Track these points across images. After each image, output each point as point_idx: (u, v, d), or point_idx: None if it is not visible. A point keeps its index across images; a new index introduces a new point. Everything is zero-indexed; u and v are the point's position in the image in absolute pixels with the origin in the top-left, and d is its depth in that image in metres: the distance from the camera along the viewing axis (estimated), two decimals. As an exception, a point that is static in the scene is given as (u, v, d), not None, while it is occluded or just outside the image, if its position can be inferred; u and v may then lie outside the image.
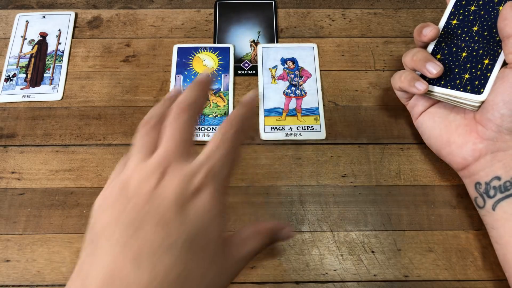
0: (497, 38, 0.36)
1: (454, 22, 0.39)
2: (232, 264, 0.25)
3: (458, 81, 0.37)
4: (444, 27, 0.40)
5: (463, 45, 0.38)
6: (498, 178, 0.35)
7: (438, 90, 0.38)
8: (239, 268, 0.25)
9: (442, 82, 0.38)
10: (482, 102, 0.36)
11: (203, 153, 0.25)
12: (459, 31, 0.39)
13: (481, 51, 0.37)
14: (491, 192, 0.36)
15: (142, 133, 0.27)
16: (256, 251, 0.26)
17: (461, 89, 0.37)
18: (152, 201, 0.22)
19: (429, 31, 0.39)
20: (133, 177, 0.24)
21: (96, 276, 0.21)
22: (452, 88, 0.37)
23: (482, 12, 0.38)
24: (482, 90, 0.36)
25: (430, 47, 0.40)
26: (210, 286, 0.23)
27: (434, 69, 0.37)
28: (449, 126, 0.39)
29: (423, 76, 0.39)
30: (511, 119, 0.35)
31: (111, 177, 0.26)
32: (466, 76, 0.37)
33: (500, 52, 0.36)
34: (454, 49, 0.39)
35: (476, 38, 0.38)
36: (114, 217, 0.22)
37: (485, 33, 0.37)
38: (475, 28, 0.38)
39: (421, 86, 0.38)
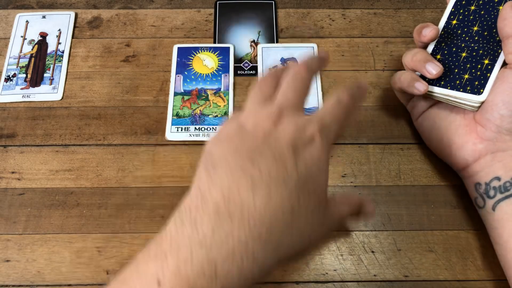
0: (497, 38, 0.36)
1: (454, 22, 0.39)
2: (329, 219, 0.26)
3: (457, 82, 0.37)
4: (444, 27, 0.40)
5: (463, 45, 0.38)
6: (498, 179, 0.35)
7: (438, 91, 0.38)
8: (332, 226, 0.26)
9: (442, 83, 0.38)
10: (482, 103, 0.36)
11: (317, 111, 0.27)
12: (459, 31, 0.39)
13: (481, 51, 0.37)
14: (491, 193, 0.36)
15: (260, 83, 0.28)
16: (345, 217, 0.27)
17: (461, 90, 0.37)
18: (269, 140, 0.24)
19: (428, 32, 0.39)
20: (250, 117, 0.25)
21: (216, 194, 0.22)
22: (452, 88, 0.37)
23: (482, 12, 0.38)
24: (481, 90, 0.36)
25: (430, 48, 0.40)
26: (314, 231, 0.24)
27: (433, 69, 0.37)
28: (449, 127, 0.39)
29: (423, 77, 0.39)
30: (511, 119, 0.35)
31: (225, 122, 0.27)
32: (466, 76, 0.37)
33: (500, 52, 0.36)
34: (454, 49, 0.39)
35: (476, 38, 0.38)
36: (233, 149, 0.24)
37: (485, 33, 0.37)
38: (475, 28, 0.38)
39: (421, 86, 0.38)
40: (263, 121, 0.25)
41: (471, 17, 0.38)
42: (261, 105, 0.26)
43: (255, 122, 0.25)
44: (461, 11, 0.39)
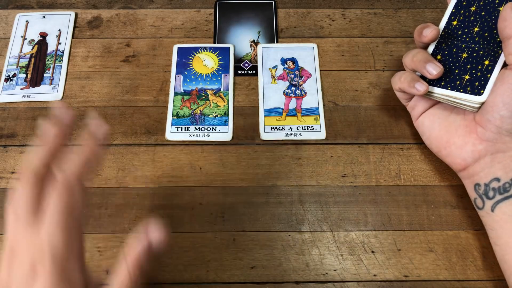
0: (498, 39, 0.36)
1: (455, 23, 0.39)
2: None
3: (458, 82, 0.37)
4: (445, 27, 0.40)
5: (463, 46, 0.38)
6: (498, 180, 0.35)
7: (438, 91, 0.38)
8: None
9: (442, 83, 0.38)
10: (482, 103, 0.36)
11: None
12: (460, 32, 0.39)
13: (481, 52, 0.37)
14: (490, 194, 0.36)
15: (26, 190, 0.25)
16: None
17: (461, 90, 0.37)
18: None
19: (429, 32, 0.39)
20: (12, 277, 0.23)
21: None
22: (452, 89, 0.37)
23: (483, 13, 0.38)
24: (482, 91, 0.36)
25: (431, 48, 0.40)
26: None
27: (434, 69, 0.37)
28: (449, 127, 0.39)
29: (423, 77, 0.39)
30: (511, 120, 0.35)
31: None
32: (466, 77, 0.37)
33: (501, 53, 0.36)
34: (454, 50, 0.39)
35: (477, 39, 0.38)
36: None
37: (486, 34, 0.37)
38: (476, 29, 0.38)
39: (421, 87, 0.38)
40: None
41: (472, 18, 0.38)
42: (26, 226, 0.24)
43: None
44: (462, 12, 0.39)
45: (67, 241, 0.23)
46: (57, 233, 0.23)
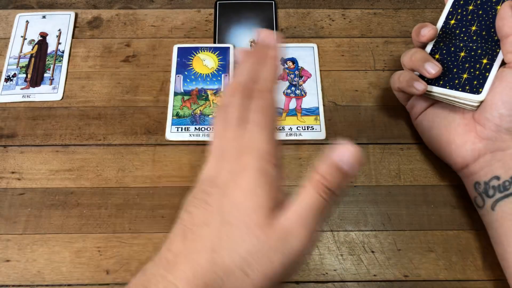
0: (496, 38, 0.36)
1: (452, 22, 0.39)
2: (276, 237, 0.22)
3: (456, 81, 0.37)
4: (442, 27, 0.40)
5: (461, 45, 0.38)
6: (497, 178, 0.35)
7: (437, 90, 0.38)
8: (286, 244, 0.23)
9: (441, 82, 0.38)
10: (481, 102, 0.36)
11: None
12: (457, 31, 0.39)
13: (479, 51, 0.37)
14: (490, 192, 0.36)
15: (227, 104, 0.27)
16: (309, 209, 0.23)
17: (460, 89, 0.37)
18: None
19: (427, 31, 0.39)
20: (221, 169, 0.25)
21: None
22: (450, 88, 0.37)
23: (480, 12, 0.38)
24: (480, 90, 0.36)
25: (429, 47, 0.40)
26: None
27: (432, 69, 0.37)
28: (448, 126, 0.39)
29: (421, 76, 0.39)
30: (510, 118, 0.35)
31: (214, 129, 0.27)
32: (465, 76, 0.37)
33: (499, 51, 0.36)
34: (452, 49, 0.39)
35: (475, 37, 0.38)
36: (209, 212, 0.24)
37: (483, 33, 0.37)
38: (474, 28, 0.38)
39: (420, 86, 0.38)
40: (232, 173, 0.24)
41: (469, 17, 0.38)
42: (233, 131, 0.25)
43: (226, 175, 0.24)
44: (459, 10, 0.39)
45: (270, 142, 0.25)
46: (263, 135, 0.25)
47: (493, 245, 0.37)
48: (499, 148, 0.36)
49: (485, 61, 0.37)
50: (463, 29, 0.39)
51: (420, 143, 0.44)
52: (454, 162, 0.39)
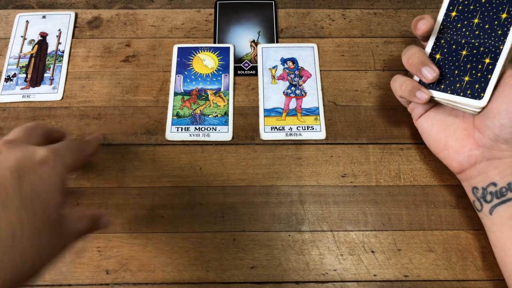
0: (499, 32, 0.36)
1: (453, 14, 0.38)
2: (64, 235, 0.29)
3: (458, 85, 0.37)
4: (443, 20, 0.38)
5: (463, 41, 0.37)
6: (494, 184, 0.35)
7: (438, 95, 0.37)
8: (68, 241, 0.29)
9: (442, 86, 0.37)
10: (483, 108, 0.35)
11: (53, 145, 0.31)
12: (459, 25, 0.38)
13: (481, 48, 0.36)
14: (488, 197, 0.36)
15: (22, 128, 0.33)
16: (82, 232, 0.30)
17: (461, 94, 0.36)
18: None
19: (422, 25, 0.38)
20: None
21: None
22: (452, 92, 0.37)
23: (483, 1, 0.37)
24: (482, 94, 0.35)
25: (430, 45, 0.39)
26: (44, 249, 0.26)
27: (429, 74, 0.36)
28: (447, 130, 0.39)
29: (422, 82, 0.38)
30: (510, 130, 0.34)
31: None
32: (466, 78, 0.36)
33: (502, 49, 0.35)
34: (453, 47, 0.38)
35: (477, 32, 0.37)
36: None
37: (486, 26, 0.36)
38: (476, 21, 0.37)
39: (422, 96, 0.37)
40: None
41: (471, 7, 0.37)
42: None
43: None
44: (461, 0, 0.38)
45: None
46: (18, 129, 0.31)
47: (492, 248, 0.37)
48: (496, 157, 0.35)
49: (487, 60, 0.36)
50: (465, 22, 0.38)
51: (420, 143, 0.44)
52: (451, 165, 0.39)
